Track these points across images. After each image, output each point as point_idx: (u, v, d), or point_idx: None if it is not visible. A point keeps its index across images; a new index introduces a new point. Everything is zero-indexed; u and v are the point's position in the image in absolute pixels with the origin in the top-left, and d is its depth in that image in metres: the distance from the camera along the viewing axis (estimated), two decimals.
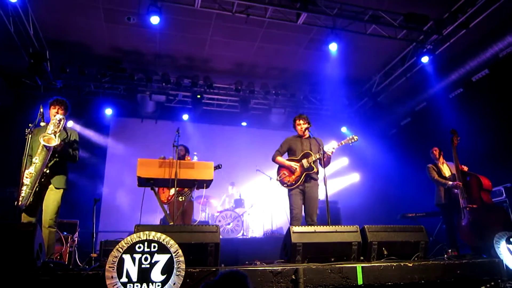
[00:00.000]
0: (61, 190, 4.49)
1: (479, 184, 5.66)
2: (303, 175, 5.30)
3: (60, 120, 4.41)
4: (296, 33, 8.49)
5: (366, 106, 11.06)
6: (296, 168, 5.34)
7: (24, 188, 4.16)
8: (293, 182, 5.31)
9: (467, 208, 5.60)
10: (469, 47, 8.11)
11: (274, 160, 5.63)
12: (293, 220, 5.19)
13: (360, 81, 10.65)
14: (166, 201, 6.23)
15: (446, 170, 6.45)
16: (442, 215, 6.67)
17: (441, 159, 6.57)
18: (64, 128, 4.64)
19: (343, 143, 5.42)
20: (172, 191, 6.23)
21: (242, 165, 11.81)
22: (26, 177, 4.18)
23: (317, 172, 5.40)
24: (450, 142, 6.09)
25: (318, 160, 5.35)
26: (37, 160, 4.25)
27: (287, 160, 5.51)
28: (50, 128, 4.34)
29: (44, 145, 4.24)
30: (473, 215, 5.52)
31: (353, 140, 5.42)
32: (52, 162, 4.43)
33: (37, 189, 4.28)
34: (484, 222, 5.36)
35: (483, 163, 6.94)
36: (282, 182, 5.40)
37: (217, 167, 7.64)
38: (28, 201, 4.13)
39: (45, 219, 4.34)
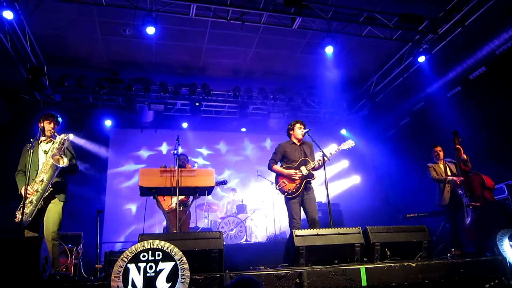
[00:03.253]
0: (61, 203, 4.54)
1: (482, 182, 5.67)
2: (303, 183, 5.26)
3: (64, 141, 4.49)
4: (292, 38, 8.54)
5: (365, 107, 11.11)
6: (296, 175, 5.28)
7: (28, 205, 4.20)
8: (294, 191, 5.22)
9: (470, 206, 5.61)
10: (465, 45, 8.14)
11: (270, 168, 5.54)
12: (293, 229, 5.13)
13: (358, 83, 10.69)
14: (168, 210, 6.24)
15: (447, 169, 6.44)
16: (445, 214, 6.66)
17: (443, 159, 6.56)
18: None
19: (340, 149, 5.45)
20: (174, 199, 6.25)
21: (243, 171, 11.84)
22: (31, 194, 4.21)
23: (314, 179, 5.38)
24: (452, 143, 6.08)
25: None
26: (44, 178, 4.28)
27: (284, 168, 5.42)
28: (55, 146, 4.41)
29: (55, 165, 4.30)
30: (476, 213, 5.53)
31: (349, 145, 5.48)
32: (56, 180, 4.49)
33: (40, 206, 4.33)
34: (487, 220, 5.37)
35: (484, 161, 6.96)
36: (283, 191, 5.29)
37: (222, 183, 7.67)
38: (31, 218, 4.15)
39: (48, 233, 4.36)
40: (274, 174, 5.62)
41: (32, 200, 4.19)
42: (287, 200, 5.30)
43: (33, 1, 6.65)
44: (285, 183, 5.32)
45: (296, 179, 5.27)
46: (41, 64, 8.44)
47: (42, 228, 4.43)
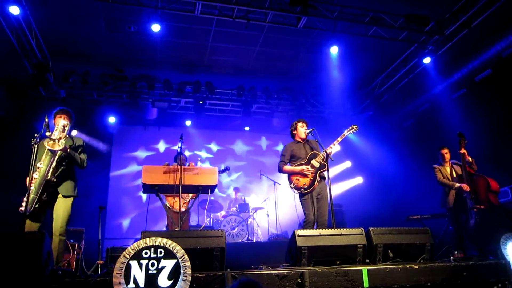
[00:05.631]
0: (71, 198, 4.52)
1: (487, 185, 5.63)
2: (317, 175, 5.27)
3: (64, 126, 4.46)
4: (297, 37, 8.51)
5: (369, 108, 11.08)
6: (308, 171, 5.28)
7: (30, 194, 4.20)
8: (310, 184, 5.23)
9: (475, 209, 5.57)
10: (471, 47, 8.10)
11: (281, 171, 5.53)
12: (306, 225, 5.12)
13: (362, 84, 10.66)
14: (178, 210, 6.21)
15: (453, 172, 6.38)
16: (449, 217, 6.62)
17: (449, 162, 6.51)
18: (70, 136, 4.70)
19: (346, 134, 5.46)
20: (177, 198, 6.24)
21: (246, 170, 11.85)
22: (32, 183, 4.22)
23: (326, 170, 5.35)
24: (458, 144, 6.04)
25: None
26: (42, 165, 4.28)
27: (295, 166, 5.43)
28: (55, 134, 4.39)
29: (49, 149, 4.28)
30: (480, 216, 5.49)
31: (353, 130, 5.51)
32: (60, 170, 4.46)
33: (45, 198, 4.33)
34: (491, 223, 5.33)
35: (489, 164, 6.90)
36: (298, 188, 5.28)
37: (225, 169, 7.64)
38: (32, 208, 4.14)
39: (56, 228, 4.37)
40: (276, 173, 5.63)
41: (32, 188, 4.18)
42: (301, 197, 5.30)
43: None
44: (298, 180, 5.31)
45: (309, 174, 5.27)
46: (46, 59, 8.46)
47: (45, 223, 4.44)
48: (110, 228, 10.01)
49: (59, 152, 4.38)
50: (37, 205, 4.24)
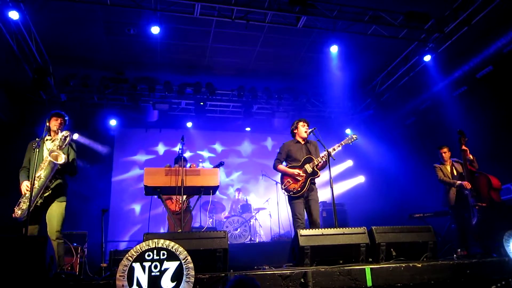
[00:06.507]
0: (64, 203, 4.58)
1: (488, 183, 5.61)
2: (308, 181, 5.25)
3: (66, 137, 4.49)
4: (297, 37, 8.52)
5: (370, 107, 11.07)
6: (300, 175, 5.26)
7: (25, 201, 4.24)
8: (299, 189, 5.21)
9: (476, 207, 5.56)
10: (472, 44, 8.06)
11: (275, 168, 5.54)
12: (297, 229, 5.11)
13: (363, 82, 10.65)
14: (177, 210, 6.22)
15: (454, 170, 6.37)
16: (451, 215, 6.60)
17: (449, 160, 6.49)
18: (71, 144, 4.73)
19: (343, 144, 5.38)
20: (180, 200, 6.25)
21: (247, 170, 11.85)
22: (27, 190, 4.25)
23: (318, 177, 5.36)
24: (458, 142, 6.02)
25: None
26: (42, 175, 4.31)
27: (288, 167, 5.40)
28: (56, 143, 4.41)
29: (53, 162, 4.32)
30: (483, 213, 5.48)
31: (352, 140, 5.42)
32: (55, 183, 4.51)
33: (39, 204, 4.37)
34: (493, 220, 5.32)
35: (490, 161, 6.89)
36: (288, 190, 5.28)
37: (219, 164, 7.54)
38: (27, 213, 4.17)
39: (52, 232, 4.39)
40: (278, 174, 5.62)
41: (29, 196, 4.20)
42: (291, 200, 5.29)
43: (39, 0, 6.69)
44: (290, 183, 5.30)
45: (301, 178, 5.25)
46: (46, 64, 8.48)
47: (45, 227, 4.47)
48: (113, 231, 10.03)
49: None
50: (32, 212, 4.27)
